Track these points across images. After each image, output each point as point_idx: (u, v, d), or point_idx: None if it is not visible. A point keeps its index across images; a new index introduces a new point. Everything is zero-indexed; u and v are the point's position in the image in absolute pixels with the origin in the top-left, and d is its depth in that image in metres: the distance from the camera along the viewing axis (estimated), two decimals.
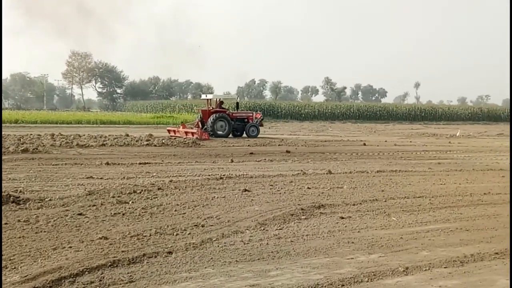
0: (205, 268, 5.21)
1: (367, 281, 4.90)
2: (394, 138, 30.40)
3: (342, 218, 7.57)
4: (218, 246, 5.98)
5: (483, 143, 27.06)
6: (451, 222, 7.49)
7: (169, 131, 27.78)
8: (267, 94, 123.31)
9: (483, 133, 38.42)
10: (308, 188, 10.11)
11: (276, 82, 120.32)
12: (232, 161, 15.27)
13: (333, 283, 4.80)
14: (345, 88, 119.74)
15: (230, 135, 27.01)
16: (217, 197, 8.85)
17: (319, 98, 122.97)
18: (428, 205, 8.74)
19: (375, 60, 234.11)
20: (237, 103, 29.89)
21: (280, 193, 9.47)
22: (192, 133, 24.95)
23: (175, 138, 24.02)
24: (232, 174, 11.85)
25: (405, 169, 13.90)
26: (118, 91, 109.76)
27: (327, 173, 12.51)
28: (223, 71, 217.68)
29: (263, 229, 6.81)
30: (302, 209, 8.01)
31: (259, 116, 28.83)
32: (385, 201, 9.00)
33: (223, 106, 28.60)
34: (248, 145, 21.79)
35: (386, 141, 27.62)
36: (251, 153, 17.89)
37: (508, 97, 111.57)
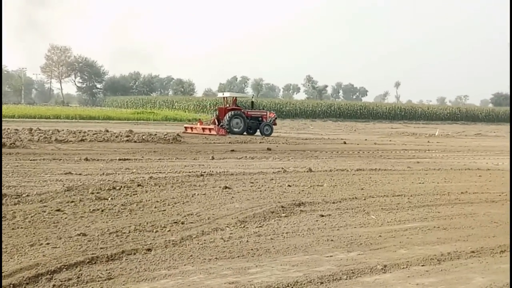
0: (185, 265, 5.19)
1: (346, 279, 4.93)
2: (374, 137, 30.70)
3: (322, 216, 7.60)
4: (198, 243, 5.96)
5: (461, 143, 27.49)
6: (429, 221, 7.59)
7: (186, 128, 28.88)
8: (249, 91, 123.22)
9: (461, 133, 39.04)
10: (289, 185, 10.14)
11: (258, 80, 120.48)
12: (213, 158, 15.24)
13: (312, 280, 4.83)
14: (326, 86, 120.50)
15: (244, 133, 27.70)
16: (198, 194, 8.82)
17: (300, 96, 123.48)
18: (406, 203, 8.83)
19: (356, 59, 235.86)
20: (252, 102, 31.14)
21: (260, 191, 9.48)
22: (210, 129, 26.27)
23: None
24: (212, 171, 11.83)
25: (385, 167, 14.04)
26: (98, 86, 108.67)
27: (307, 171, 12.56)
28: (205, 67, 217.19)
29: (243, 227, 6.80)
30: (282, 206, 8.03)
31: (273, 116, 29.59)
32: (365, 199, 9.07)
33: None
34: (229, 142, 21.77)
35: (366, 139, 27.87)
36: (232, 150, 17.88)
37: (486, 97, 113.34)
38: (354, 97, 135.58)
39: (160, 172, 11.56)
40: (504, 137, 36.48)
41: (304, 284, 4.74)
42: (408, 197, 9.37)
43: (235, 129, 27.04)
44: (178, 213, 7.37)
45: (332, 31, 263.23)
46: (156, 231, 6.36)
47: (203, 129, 27.06)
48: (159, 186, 9.42)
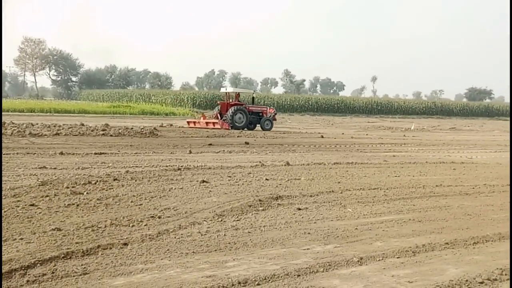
0: (161, 259, 5.16)
1: (323, 271, 4.96)
2: (351, 131, 30.94)
3: (299, 209, 7.64)
4: (175, 237, 5.94)
5: (436, 137, 27.91)
6: (404, 213, 7.68)
7: (188, 122, 29.45)
8: (227, 85, 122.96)
9: (437, 127, 39.62)
10: (266, 179, 10.16)
11: (236, 73, 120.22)
12: (190, 152, 15.16)
13: (289, 273, 4.85)
14: (304, 80, 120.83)
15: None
16: (175, 188, 8.77)
17: (278, 90, 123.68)
18: (382, 196, 8.93)
19: (334, 54, 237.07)
20: (253, 98, 31.55)
21: (238, 184, 9.48)
22: (214, 124, 27.16)
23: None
24: (190, 165, 11.77)
25: (361, 161, 14.16)
26: (73, 79, 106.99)
27: (285, 165, 12.60)
28: (182, 60, 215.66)
29: (221, 220, 6.79)
30: (260, 200, 8.04)
31: (272, 111, 30.39)
32: (341, 192, 9.14)
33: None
34: (207, 136, 21.69)
35: (343, 133, 28.08)
36: (210, 144, 17.83)
37: (461, 92, 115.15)
38: (331, 91, 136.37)
39: (136, 166, 11.46)
40: (477, 131, 37.18)
41: (281, 277, 4.76)
42: (384, 190, 9.47)
43: (237, 124, 27.70)
44: (155, 207, 7.32)
45: (310, 26, 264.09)
46: (133, 226, 6.31)
47: (207, 123, 27.77)
48: (136, 180, 9.33)
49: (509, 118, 65.48)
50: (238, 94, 30.37)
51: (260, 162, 12.95)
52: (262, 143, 19.57)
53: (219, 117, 28.15)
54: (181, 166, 11.43)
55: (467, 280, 4.79)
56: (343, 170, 12.02)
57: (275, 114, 30.97)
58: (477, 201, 8.79)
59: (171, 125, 28.42)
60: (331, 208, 7.88)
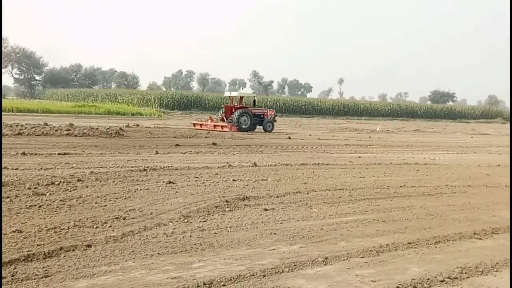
0: (126, 261, 5.10)
1: (288, 271, 4.99)
2: (318, 133, 31.21)
3: (266, 210, 7.67)
4: (139, 239, 5.87)
5: (400, 138, 28.41)
6: (368, 214, 7.80)
7: (194, 124, 30.46)
8: (195, 85, 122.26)
9: (401, 129, 40.35)
10: (234, 180, 10.15)
11: (204, 74, 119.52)
12: (157, 152, 15.02)
13: (255, 273, 4.86)
14: (272, 82, 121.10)
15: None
16: (140, 189, 8.67)
17: (246, 91, 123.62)
18: (348, 197, 9.04)
19: (302, 57, 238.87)
20: (254, 100, 33.00)
21: (205, 185, 9.44)
22: (222, 127, 28.26)
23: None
24: (156, 166, 11.65)
25: (327, 162, 14.31)
26: (37, 78, 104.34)
27: (252, 166, 12.61)
28: (150, 60, 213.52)
29: (187, 222, 6.76)
30: (226, 201, 8.03)
31: (273, 113, 31.45)
32: (308, 193, 9.21)
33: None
34: (174, 137, 21.52)
35: (310, 135, 28.29)
36: (177, 145, 17.69)
37: (425, 95, 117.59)
38: (299, 93, 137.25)
39: (101, 167, 11.27)
40: (440, 133, 38.02)
41: (246, 277, 4.77)
42: (349, 191, 9.59)
43: (243, 126, 28.74)
44: (120, 209, 7.22)
45: (278, 27, 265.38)
46: (97, 227, 6.21)
47: (215, 126, 28.76)
48: (100, 181, 9.19)
49: (471, 121, 67.30)
50: (242, 98, 32.12)
51: (227, 163, 12.93)
52: (229, 144, 19.54)
53: (224, 120, 29.37)
54: (147, 167, 11.31)
55: (428, 279, 4.89)
56: (309, 171, 12.11)
57: (275, 115, 32.15)
58: (439, 202, 8.99)
59: (138, 125, 28.08)
60: (297, 208, 7.94)
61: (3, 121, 23.65)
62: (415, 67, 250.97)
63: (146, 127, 27.02)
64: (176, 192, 8.65)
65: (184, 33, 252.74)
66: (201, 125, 29.90)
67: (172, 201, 7.89)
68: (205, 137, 22.22)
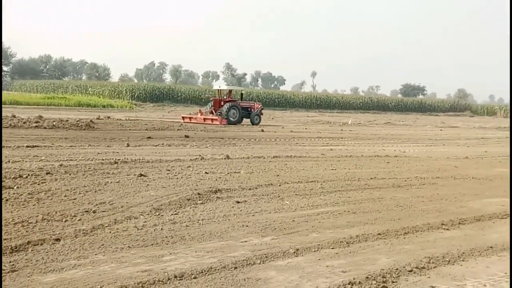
0: (95, 254, 5.03)
1: (259, 263, 5.01)
2: (291, 125, 31.35)
3: (238, 202, 7.67)
4: (110, 232, 5.81)
5: (372, 131, 28.77)
6: (339, 205, 7.88)
7: (183, 117, 30.28)
8: (167, 77, 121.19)
9: (373, 122, 40.83)
10: (206, 173, 10.12)
11: (176, 66, 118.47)
12: (128, 145, 14.85)
13: (226, 266, 4.86)
14: (245, 74, 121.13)
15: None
16: (111, 182, 8.56)
17: (220, 83, 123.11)
18: (319, 189, 9.12)
19: (275, 49, 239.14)
20: (242, 94, 33.09)
21: (177, 178, 9.39)
22: (212, 120, 28.49)
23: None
24: (127, 159, 11.53)
25: (300, 155, 14.39)
26: (5, 69, 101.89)
27: (225, 158, 12.60)
28: (121, 52, 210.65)
29: (158, 214, 6.71)
30: (198, 194, 8.00)
31: (259, 106, 31.98)
32: (280, 185, 9.25)
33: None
34: (146, 129, 21.31)
35: (283, 127, 28.41)
36: (149, 137, 17.53)
37: (396, 88, 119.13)
38: (272, 85, 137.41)
39: (71, 160, 11.09)
40: (411, 125, 38.62)
41: (218, 269, 4.76)
42: (321, 183, 9.67)
43: (232, 119, 29.16)
44: (90, 202, 7.13)
45: (252, 20, 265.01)
46: (66, 221, 6.11)
47: (205, 119, 28.99)
48: (70, 174, 9.04)
49: (440, 114, 68.56)
50: (230, 91, 32.19)
51: (200, 155, 12.88)
52: (202, 136, 19.46)
53: (213, 113, 29.62)
54: (118, 160, 11.18)
55: (397, 269, 4.97)
56: (282, 164, 12.16)
57: (262, 108, 32.60)
58: (409, 193, 9.14)
59: (109, 117, 27.71)
60: (270, 200, 7.97)
61: None
62: (387, 61, 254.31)
63: (117, 119, 26.68)
64: (148, 185, 8.58)
65: (157, 24, 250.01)
66: (190, 118, 30.07)
67: (143, 194, 7.82)
68: (178, 130, 22.07)
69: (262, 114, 32.06)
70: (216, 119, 28.50)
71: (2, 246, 5.01)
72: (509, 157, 15.91)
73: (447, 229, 6.71)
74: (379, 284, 4.57)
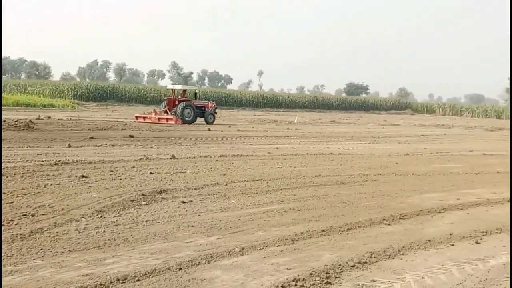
0: (34, 260, 4.85)
1: (205, 263, 4.99)
2: (238, 124, 31.34)
3: (184, 202, 7.61)
4: (49, 236, 5.61)
5: (317, 129, 29.23)
6: (285, 203, 7.96)
7: (137, 117, 29.60)
8: (111, 76, 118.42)
9: (318, 120, 41.46)
10: (151, 173, 9.98)
11: (121, 64, 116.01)
12: (69, 146, 14.40)
13: (171, 267, 4.81)
14: (191, 73, 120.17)
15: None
16: (51, 184, 8.28)
17: (165, 82, 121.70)
18: (265, 187, 9.18)
19: (222, 49, 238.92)
20: (196, 93, 32.98)
21: (120, 179, 9.20)
22: (167, 119, 27.99)
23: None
24: (68, 160, 11.19)
25: (246, 153, 14.43)
26: None
27: (170, 158, 12.46)
28: (63, 50, 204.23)
29: (100, 217, 6.55)
30: (143, 194, 7.87)
31: (213, 105, 32.12)
32: (226, 184, 9.24)
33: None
34: (88, 129, 20.74)
35: (230, 126, 28.38)
36: (91, 138, 17.06)
37: (340, 87, 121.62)
38: (219, 84, 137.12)
39: (8, 162, 10.63)
40: (355, 124, 39.51)
41: (162, 271, 4.70)
42: (267, 181, 9.73)
43: (186, 118, 28.77)
44: (28, 205, 6.86)
45: (196, 17, 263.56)
46: (2, 225, 5.85)
47: (159, 118, 28.40)
48: (7, 177, 8.67)
49: (383, 112, 70.52)
50: (185, 91, 32.11)
51: (144, 155, 12.68)
52: (147, 136, 19.15)
53: (168, 113, 29.27)
54: (59, 161, 10.83)
55: (340, 264, 5.08)
56: (228, 163, 12.16)
57: (216, 108, 32.68)
58: (352, 190, 9.35)
59: (49, 117, 26.75)
60: (216, 200, 7.95)
61: None
62: (331, 61, 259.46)
63: (58, 119, 25.76)
64: (90, 186, 8.36)
65: (101, 21, 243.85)
66: (144, 118, 29.52)
67: (85, 196, 7.61)
68: (122, 130, 21.60)
69: (216, 113, 32.10)
70: (171, 119, 28.14)
71: None
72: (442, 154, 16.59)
73: (388, 224, 6.92)
74: (322, 280, 4.65)
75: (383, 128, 34.31)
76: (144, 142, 16.66)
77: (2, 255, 4.91)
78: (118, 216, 6.66)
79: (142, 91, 62.63)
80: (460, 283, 4.78)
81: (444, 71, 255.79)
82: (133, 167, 10.68)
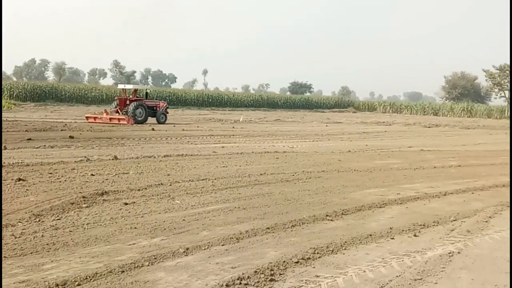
0: None
1: (148, 265, 4.90)
2: (183, 123, 31.07)
3: (126, 204, 7.45)
4: None
5: (262, 128, 29.40)
6: (230, 202, 7.96)
7: (87, 117, 29.27)
8: (50, 75, 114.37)
9: (263, 119, 41.71)
10: (92, 175, 9.72)
11: (60, 63, 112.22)
12: (5, 148, 13.78)
13: (112, 270, 4.69)
14: (134, 72, 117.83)
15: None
16: None
17: (107, 81, 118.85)
18: (210, 187, 9.14)
19: (166, 47, 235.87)
20: (147, 93, 33.28)
21: (60, 181, 8.91)
22: (119, 119, 27.74)
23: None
24: (4, 162, 10.70)
25: (191, 153, 14.32)
26: None
27: (113, 159, 12.18)
28: None
29: (39, 221, 6.31)
30: (84, 197, 7.66)
31: (164, 105, 31.88)
32: (170, 185, 9.14)
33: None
34: (26, 130, 19.96)
35: (174, 126, 28.07)
36: (29, 139, 16.42)
37: (285, 86, 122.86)
38: (163, 83, 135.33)
39: None
40: (299, 122, 40.04)
41: (104, 275, 4.59)
42: (212, 181, 9.70)
43: (138, 118, 28.67)
44: None
45: (137, 15, 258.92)
46: None
47: (111, 119, 28.09)
48: None
49: (326, 110, 71.86)
50: (136, 90, 31.80)
51: (85, 157, 12.33)
52: (88, 136, 18.63)
53: (119, 113, 29.05)
54: None
55: (284, 261, 5.13)
56: (173, 163, 12.03)
57: (167, 107, 32.52)
58: (296, 187, 9.47)
59: None
60: (160, 201, 7.84)
61: None
62: (276, 61, 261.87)
63: None
64: (27, 189, 8.04)
65: (39, 18, 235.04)
66: (95, 118, 29.04)
67: (22, 200, 7.31)
68: (61, 130, 20.93)
69: (167, 112, 31.94)
70: (123, 119, 27.88)
71: None
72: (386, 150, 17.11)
73: (331, 220, 7.05)
74: (267, 277, 4.68)
75: (327, 126, 34.95)
76: (85, 143, 16.21)
77: None
78: (58, 219, 6.44)
79: (83, 90, 60.87)
80: (400, 275, 4.94)
81: (383, 69, 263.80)
82: (74, 168, 10.37)
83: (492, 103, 73.34)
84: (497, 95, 64.46)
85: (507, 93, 61.65)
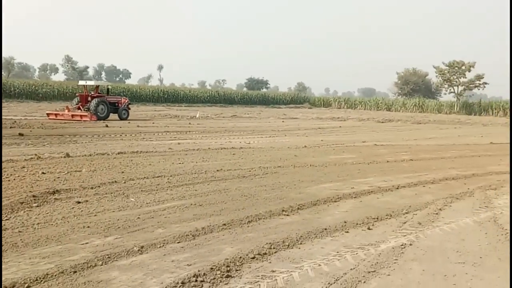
0: None
1: (101, 265, 4.80)
2: (137, 120, 30.59)
3: (79, 202, 7.28)
4: None
5: (219, 124, 29.31)
6: (186, 199, 7.89)
7: (48, 114, 28.67)
8: None
9: (220, 115, 41.58)
10: (43, 173, 9.44)
11: (8, 58, 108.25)
12: None
13: (64, 271, 4.57)
14: (87, 67, 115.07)
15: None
16: None
17: (59, 77, 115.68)
18: (166, 184, 9.03)
19: (120, 42, 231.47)
20: (108, 89, 32.87)
21: (9, 180, 8.61)
22: (81, 116, 27.41)
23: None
24: None
25: (146, 150, 14.12)
26: None
27: (64, 157, 11.87)
28: None
29: None
30: (34, 196, 7.42)
31: (126, 101, 31.63)
32: (125, 182, 8.98)
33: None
34: None
35: (129, 122, 27.61)
36: None
37: (241, 82, 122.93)
38: (117, 79, 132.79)
39: None
40: (256, 118, 40.14)
41: (55, 275, 4.46)
42: (168, 178, 9.59)
43: (100, 115, 28.33)
44: None
45: (94, 10, 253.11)
46: None
47: (73, 115, 27.80)
48: None
49: (282, 106, 72.33)
50: (98, 87, 31.26)
51: (35, 154, 11.96)
52: (39, 134, 18.07)
53: (81, 109, 28.71)
54: None
55: (241, 257, 5.13)
56: (127, 160, 11.83)
57: (129, 103, 32.39)
58: (253, 183, 9.49)
59: None
60: (114, 199, 7.69)
61: None
62: (232, 57, 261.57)
63: None
64: None
65: None
66: (56, 115, 28.45)
67: None
68: (10, 128, 20.21)
69: (129, 108, 31.67)
70: (85, 115, 27.54)
71: None
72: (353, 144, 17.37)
73: (287, 215, 7.10)
74: (223, 273, 4.67)
75: (283, 121, 35.19)
76: (36, 141, 15.72)
77: None
78: (6, 220, 6.22)
79: (33, 86, 59.06)
80: (354, 268, 5.03)
81: (337, 67, 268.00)
82: (23, 167, 10.03)
83: (442, 99, 75.81)
84: (446, 90, 66.55)
85: (456, 89, 63.82)
